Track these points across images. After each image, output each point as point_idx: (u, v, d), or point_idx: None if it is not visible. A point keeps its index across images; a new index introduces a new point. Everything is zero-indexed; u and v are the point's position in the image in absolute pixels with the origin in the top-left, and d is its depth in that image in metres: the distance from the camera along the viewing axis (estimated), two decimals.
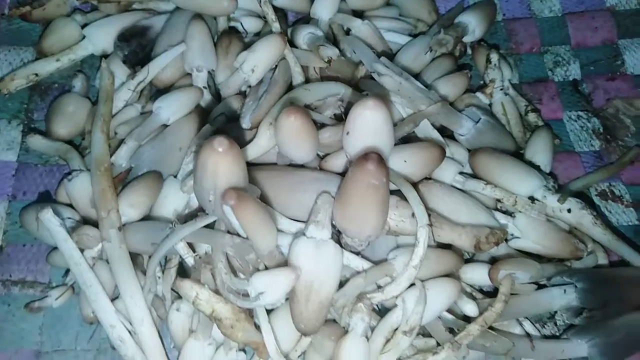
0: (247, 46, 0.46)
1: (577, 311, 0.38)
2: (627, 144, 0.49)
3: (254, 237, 0.32)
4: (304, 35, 0.47)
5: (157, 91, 0.47)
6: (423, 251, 0.35)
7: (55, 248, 0.40)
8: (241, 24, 0.50)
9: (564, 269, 0.39)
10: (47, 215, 0.36)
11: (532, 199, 0.41)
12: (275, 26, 0.46)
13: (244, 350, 0.37)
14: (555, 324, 0.41)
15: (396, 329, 0.35)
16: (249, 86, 0.45)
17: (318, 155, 0.41)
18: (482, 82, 0.50)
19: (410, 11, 0.53)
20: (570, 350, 0.38)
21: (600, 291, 0.37)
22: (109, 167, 0.39)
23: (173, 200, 0.40)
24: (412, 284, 0.36)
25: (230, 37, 0.48)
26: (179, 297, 0.38)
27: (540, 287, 0.39)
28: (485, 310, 0.35)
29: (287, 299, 0.37)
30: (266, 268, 0.35)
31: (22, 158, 0.46)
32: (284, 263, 0.35)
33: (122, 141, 0.42)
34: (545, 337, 0.40)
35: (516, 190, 0.41)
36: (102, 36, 0.48)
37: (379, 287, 0.36)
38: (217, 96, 0.47)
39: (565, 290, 0.38)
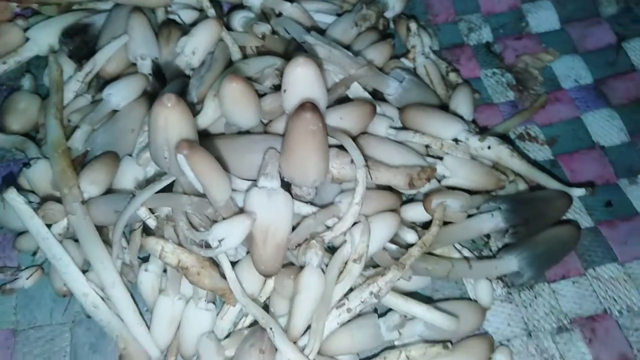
0: (186, 34, 0.50)
1: (505, 233, 0.43)
2: (537, 92, 0.55)
3: (209, 186, 0.35)
4: (238, 19, 0.51)
5: (104, 82, 0.50)
6: (363, 189, 0.39)
7: (20, 234, 0.42)
8: (179, 15, 0.54)
9: (490, 197, 0.44)
10: (12, 194, 0.38)
11: (456, 141, 0.46)
12: (211, 12, 0.50)
13: (213, 303, 0.40)
14: (490, 249, 0.46)
15: (347, 262, 0.39)
16: (192, 69, 0.49)
17: (262, 122, 0.45)
18: (406, 50, 0.56)
19: None
20: (503, 266, 0.42)
21: (521, 210, 0.42)
22: (66, 149, 0.41)
23: (131, 177, 0.43)
24: (357, 221, 0.40)
25: (169, 27, 0.51)
26: (145, 262, 0.40)
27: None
28: (423, 235, 0.40)
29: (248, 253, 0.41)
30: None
31: None
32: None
33: (76, 128, 0.45)
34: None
35: (442, 135, 0.46)
36: (45, 37, 0.51)
37: (328, 227, 0.40)
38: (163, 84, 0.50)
39: (492, 214, 0.43)
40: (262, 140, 0.42)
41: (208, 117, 0.43)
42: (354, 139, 0.44)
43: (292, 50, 0.50)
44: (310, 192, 0.41)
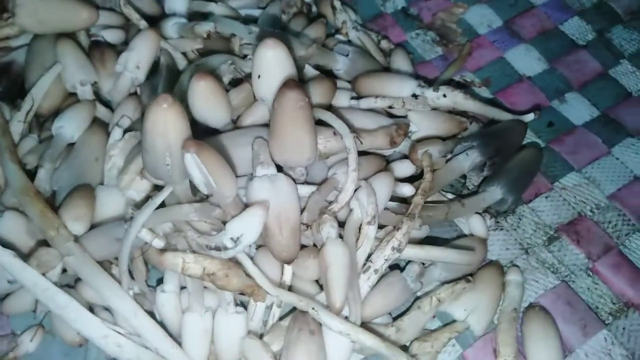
0: (119, 53, 0.47)
1: (483, 166, 0.46)
2: (460, 42, 0.60)
3: (220, 182, 0.34)
4: (170, 27, 0.49)
5: (43, 120, 0.46)
6: (355, 155, 0.40)
7: (5, 297, 0.38)
8: (102, 37, 0.51)
9: (460, 139, 0.47)
10: None
11: (414, 96, 0.48)
12: (142, 23, 0.48)
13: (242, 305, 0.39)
14: (468, 189, 0.50)
15: (360, 227, 0.40)
16: (138, 86, 0.47)
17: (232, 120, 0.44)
18: (334, 29, 0.57)
19: None
20: (489, 197, 0.46)
21: (491, 142, 0.46)
22: (36, 191, 0.38)
23: (111, 205, 0.41)
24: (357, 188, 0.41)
25: (100, 48, 0.48)
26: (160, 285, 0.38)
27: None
28: (420, 184, 0.42)
29: (258, 248, 0.40)
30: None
31: None
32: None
33: (34, 169, 0.41)
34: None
35: (400, 94, 0.48)
36: None
37: (331, 202, 0.41)
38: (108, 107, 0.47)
39: (467, 153, 0.46)
40: (243, 134, 0.41)
41: None
42: None
43: (235, 48, 0.50)
44: (304, 172, 0.41)
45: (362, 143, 0.41)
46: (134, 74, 0.45)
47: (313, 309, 0.36)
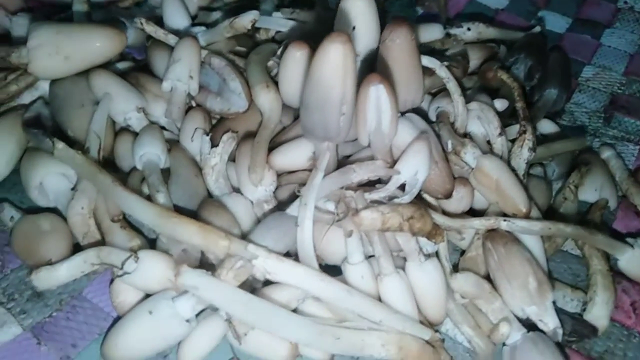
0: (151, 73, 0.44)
1: (531, 74, 0.49)
2: None
3: (394, 117, 0.32)
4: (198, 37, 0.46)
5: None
6: (455, 81, 0.40)
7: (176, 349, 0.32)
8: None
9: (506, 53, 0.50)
10: (189, 274, 0.28)
11: (448, 35, 0.51)
12: (171, 37, 0.44)
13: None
14: None
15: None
16: (191, 98, 0.43)
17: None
18: None
19: None
20: (549, 97, 0.48)
21: (531, 49, 0.49)
22: (177, 212, 0.33)
23: (243, 211, 0.36)
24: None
25: (132, 74, 0.43)
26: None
27: None
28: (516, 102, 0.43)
29: None
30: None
31: None
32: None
33: None
34: None
35: (430, 38, 0.50)
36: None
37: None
38: None
39: (517, 66, 0.49)
40: None
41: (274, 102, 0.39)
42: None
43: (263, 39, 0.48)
44: None
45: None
46: (188, 85, 0.41)
47: (504, 220, 0.35)
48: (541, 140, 0.44)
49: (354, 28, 0.38)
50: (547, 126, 0.49)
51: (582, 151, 0.48)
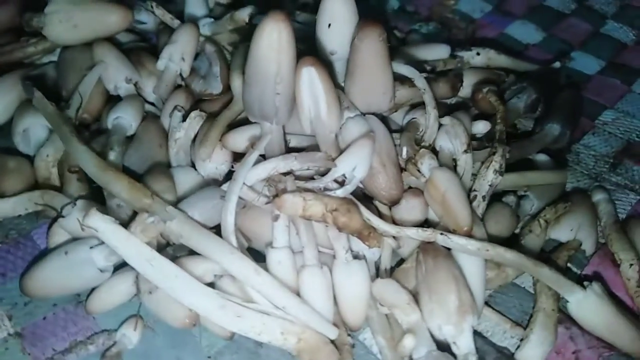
0: (154, 55, 0.46)
1: (534, 107, 0.47)
2: (461, 26, 0.63)
3: (331, 105, 0.33)
4: (202, 26, 0.49)
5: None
6: (431, 94, 0.40)
7: (88, 295, 0.33)
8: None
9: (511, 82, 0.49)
10: (95, 217, 0.29)
11: (454, 57, 0.50)
12: (177, 22, 0.47)
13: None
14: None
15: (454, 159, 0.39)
16: (183, 78, 0.45)
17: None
18: None
19: None
20: (550, 132, 0.46)
21: (537, 82, 0.47)
22: (115, 167, 0.34)
23: (189, 184, 0.38)
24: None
25: (136, 51, 0.47)
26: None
27: None
28: (495, 124, 0.42)
29: None
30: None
31: None
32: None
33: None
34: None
35: (441, 56, 0.50)
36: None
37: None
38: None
39: (518, 97, 0.47)
40: None
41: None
42: None
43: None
44: None
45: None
46: (180, 66, 0.44)
47: (441, 234, 0.34)
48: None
49: (329, 26, 0.39)
50: (541, 160, 0.46)
51: (574, 190, 0.45)
